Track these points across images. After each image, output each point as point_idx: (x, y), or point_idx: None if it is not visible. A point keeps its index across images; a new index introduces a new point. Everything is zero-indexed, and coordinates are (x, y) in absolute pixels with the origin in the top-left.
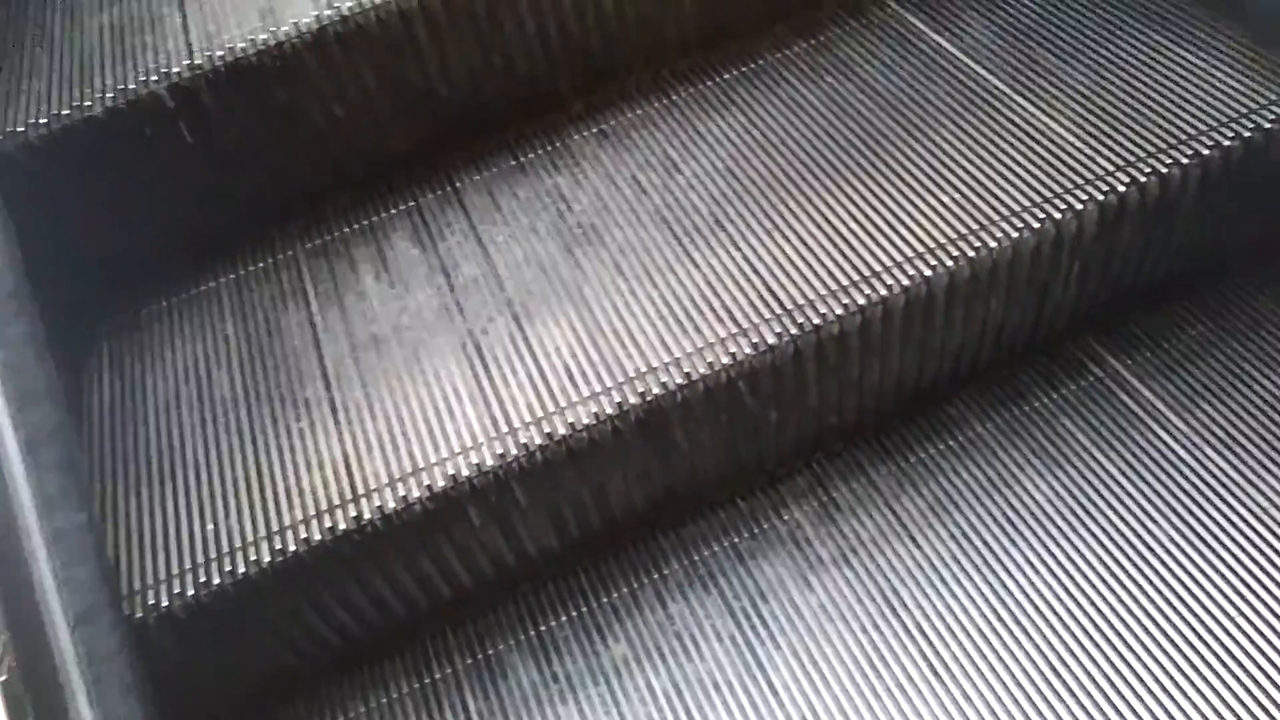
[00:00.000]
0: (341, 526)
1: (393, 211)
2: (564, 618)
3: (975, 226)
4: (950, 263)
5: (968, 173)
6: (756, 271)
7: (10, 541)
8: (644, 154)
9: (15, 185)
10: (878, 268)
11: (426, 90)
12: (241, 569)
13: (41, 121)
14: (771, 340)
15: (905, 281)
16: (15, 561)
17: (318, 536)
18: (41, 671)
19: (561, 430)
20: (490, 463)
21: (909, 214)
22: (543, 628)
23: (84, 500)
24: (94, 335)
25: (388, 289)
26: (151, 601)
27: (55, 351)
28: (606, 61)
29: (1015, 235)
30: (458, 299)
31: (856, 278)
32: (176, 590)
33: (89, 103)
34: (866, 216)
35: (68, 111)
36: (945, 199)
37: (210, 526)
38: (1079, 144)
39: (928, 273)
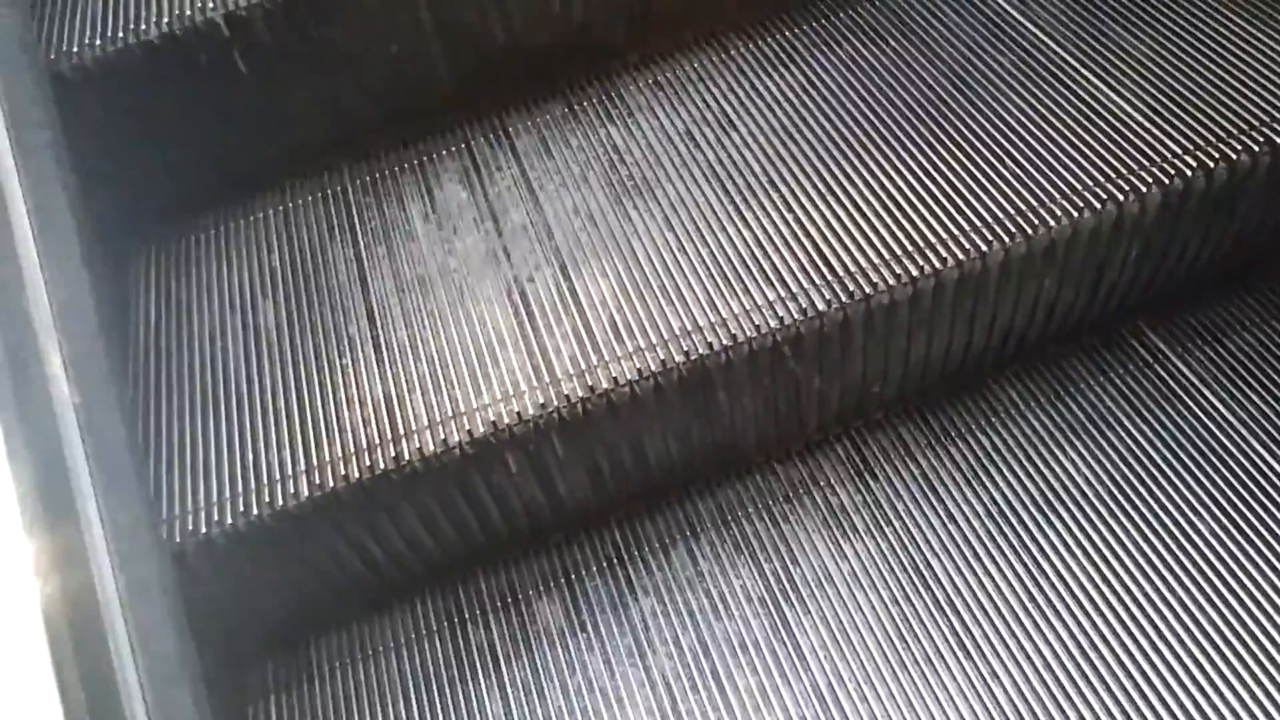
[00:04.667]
0: (381, 465)
1: (444, 153)
2: (594, 568)
3: (1034, 202)
4: (1006, 238)
5: (1030, 146)
6: (809, 235)
7: (54, 461)
8: (699, 109)
9: (69, 106)
10: (932, 239)
11: (482, 33)
12: (280, 501)
13: (96, 44)
14: (820, 306)
15: (960, 254)
16: (58, 483)
17: (357, 474)
18: (81, 595)
19: (604, 384)
20: (531, 411)
21: (967, 185)
22: (573, 576)
23: (127, 422)
24: (141, 259)
25: (435, 230)
26: (190, 528)
27: (103, 273)
28: (664, 13)
29: (1075, 214)
30: (505, 244)
31: (910, 248)
32: (215, 518)
33: (145, 27)
34: (924, 185)
35: (123, 35)
36: (1005, 172)
37: (250, 457)
38: (1147, 124)
39: (983, 247)
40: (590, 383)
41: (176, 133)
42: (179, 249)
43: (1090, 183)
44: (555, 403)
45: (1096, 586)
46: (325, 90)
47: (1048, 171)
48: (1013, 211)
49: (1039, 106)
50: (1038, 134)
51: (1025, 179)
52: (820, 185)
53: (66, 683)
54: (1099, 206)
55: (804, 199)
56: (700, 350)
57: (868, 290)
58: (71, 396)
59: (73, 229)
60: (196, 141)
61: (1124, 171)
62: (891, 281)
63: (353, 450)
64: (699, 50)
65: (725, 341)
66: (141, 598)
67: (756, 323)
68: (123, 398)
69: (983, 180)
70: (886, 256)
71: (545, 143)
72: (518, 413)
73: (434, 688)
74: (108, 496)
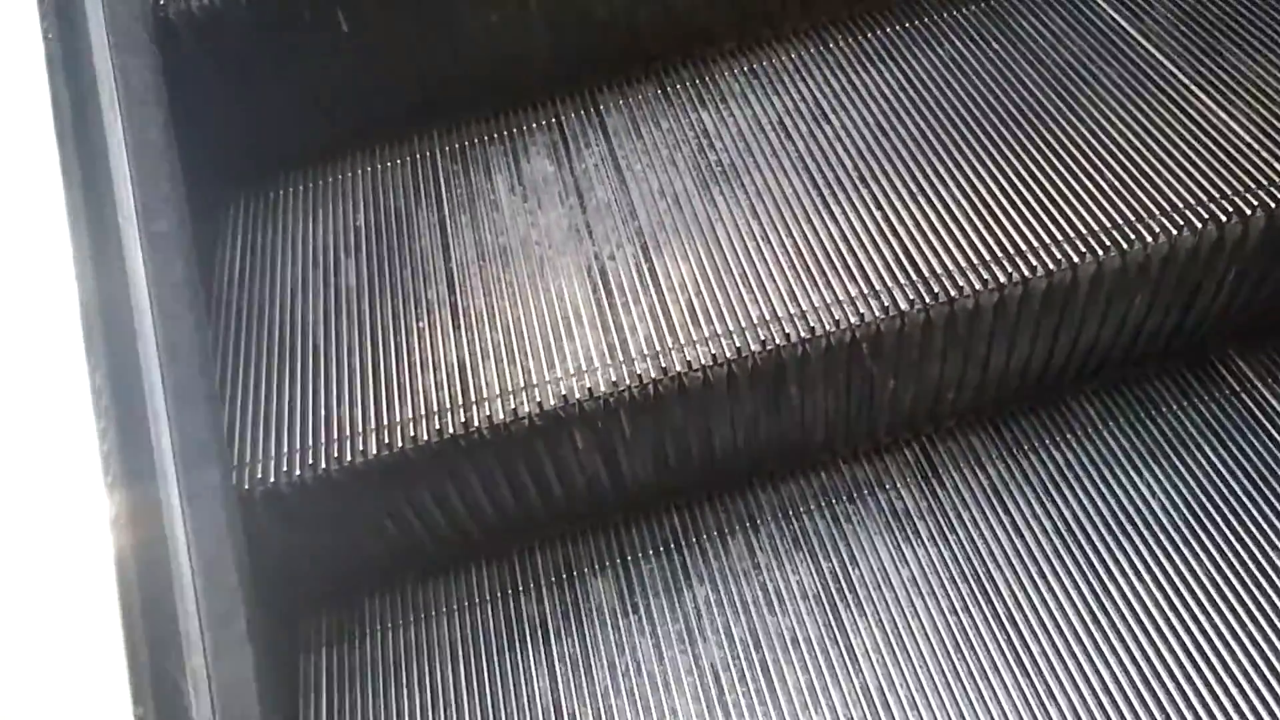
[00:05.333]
0: (450, 430)
1: (533, 126)
2: (651, 552)
3: (1132, 217)
4: (1101, 251)
5: (1132, 160)
6: (896, 233)
7: (135, 399)
8: (793, 99)
9: (172, 53)
10: (1024, 246)
11: (583, 9)
12: (348, 458)
13: None
14: (903, 306)
15: (1050, 265)
16: (138, 421)
17: (425, 437)
18: (150, 529)
19: (677, 367)
20: (602, 389)
21: (1064, 195)
22: (629, 558)
23: (206, 367)
24: (229, 209)
25: (520, 202)
26: (259, 476)
27: (192, 219)
28: (764, 3)
29: (1174, 232)
30: (588, 221)
31: (1000, 254)
32: (284, 469)
33: None
34: (1018, 192)
35: None
36: (1104, 184)
37: (323, 412)
38: (1255, 144)
39: (1075, 259)
40: (664, 365)
41: (273, 87)
42: (266, 202)
43: (1192, 201)
44: (627, 382)
45: (1164, 613)
46: (422, 55)
47: (1148, 186)
48: (1109, 225)
49: (1144, 120)
50: (1141, 148)
51: (1124, 192)
52: (912, 184)
53: (130, 608)
54: (1199, 226)
55: (894, 197)
56: (777, 340)
57: (953, 294)
58: (156, 337)
59: (168, 172)
60: (292, 97)
61: (1228, 191)
62: (978, 286)
63: (423, 413)
64: (797, 41)
65: (803, 334)
66: (207, 536)
67: (836, 317)
68: (204, 342)
69: (1080, 191)
70: (975, 261)
71: (635, 123)
72: (589, 389)
73: (483, 655)
74: (183, 436)
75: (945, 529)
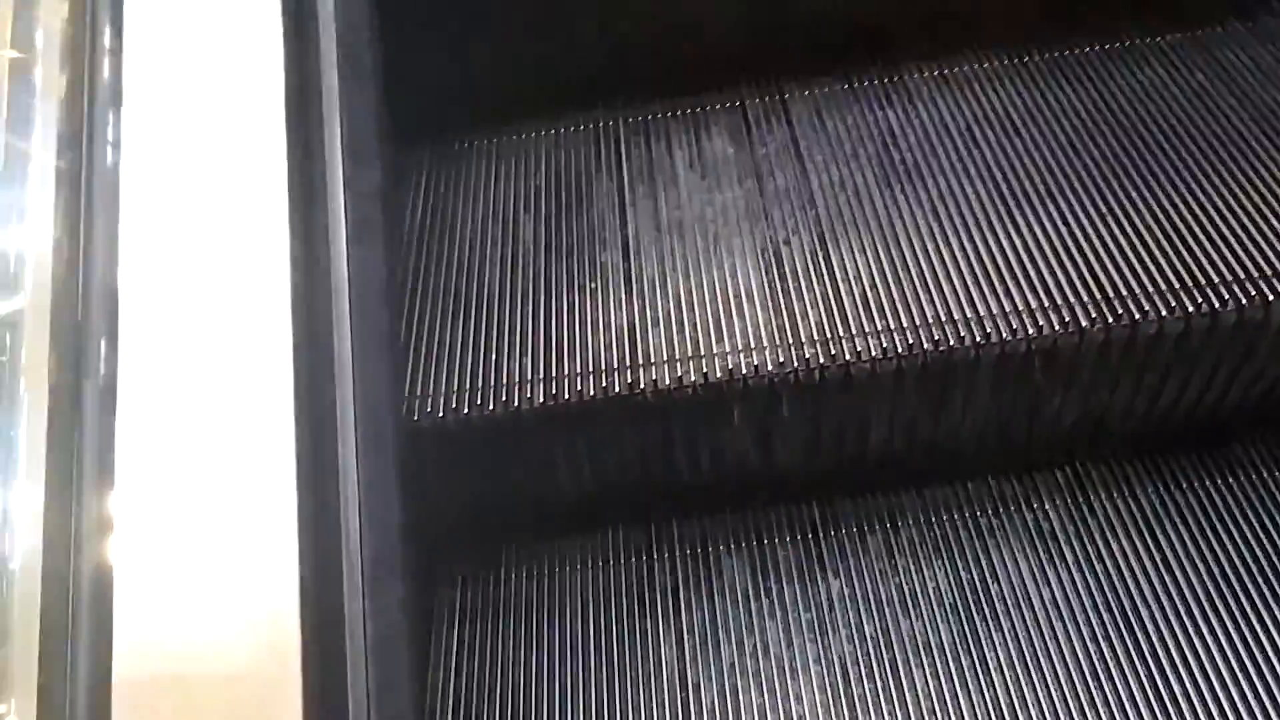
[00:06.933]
0: (615, 389)
1: (717, 108)
2: (788, 538)
3: None
4: None
5: None
6: (1082, 251)
7: (324, 323)
8: (984, 108)
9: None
10: (1215, 278)
11: None
12: (515, 403)
13: None
14: (1084, 323)
15: (1243, 299)
16: (324, 344)
17: (591, 392)
18: (322, 454)
19: (846, 356)
20: (769, 368)
21: (1263, 231)
22: (765, 541)
23: (391, 299)
24: (420, 157)
25: (699, 179)
26: (429, 410)
27: (387, 165)
28: (960, 7)
29: None
30: (765, 205)
31: (1190, 283)
32: (453, 406)
33: None
34: (1213, 223)
35: None
36: None
37: (494, 358)
38: None
39: (1270, 296)
40: (833, 352)
41: (470, 45)
42: (453, 154)
43: None
44: (794, 364)
45: None
46: (616, 28)
47: None
48: None
49: None
50: None
51: None
52: (1101, 204)
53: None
54: None
55: (1082, 214)
56: (950, 342)
57: (1137, 316)
58: (349, 269)
59: (374, 122)
60: (486, 56)
61: None
62: (1164, 312)
63: (591, 370)
64: (991, 50)
65: (978, 339)
66: (374, 451)
67: (1014, 326)
68: (390, 279)
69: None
70: (1163, 286)
71: (820, 114)
72: (755, 366)
73: (613, 615)
74: (363, 363)
75: (1092, 555)
